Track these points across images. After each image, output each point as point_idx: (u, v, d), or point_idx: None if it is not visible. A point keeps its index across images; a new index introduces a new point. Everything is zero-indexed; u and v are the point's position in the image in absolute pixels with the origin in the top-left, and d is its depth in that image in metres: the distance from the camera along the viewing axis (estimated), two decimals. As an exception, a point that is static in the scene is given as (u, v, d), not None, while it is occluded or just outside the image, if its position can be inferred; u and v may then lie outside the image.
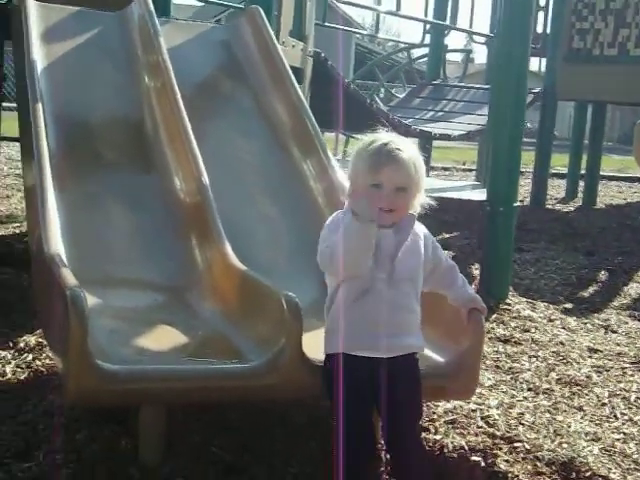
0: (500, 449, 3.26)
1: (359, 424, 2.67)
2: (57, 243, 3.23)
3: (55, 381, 3.45)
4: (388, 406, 2.71)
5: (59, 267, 2.92)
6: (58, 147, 4.14)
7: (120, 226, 3.97)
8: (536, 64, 13.66)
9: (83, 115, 4.49)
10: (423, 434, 3.29)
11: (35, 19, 4.82)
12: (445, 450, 3.20)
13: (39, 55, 4.57)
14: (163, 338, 3.25)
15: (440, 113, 11.88)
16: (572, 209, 11.58)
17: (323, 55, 7.40)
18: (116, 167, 4.26)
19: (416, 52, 15.19)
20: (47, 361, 3.78)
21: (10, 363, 3.78)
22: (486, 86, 11.86)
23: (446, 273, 2.91)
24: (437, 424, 3.45)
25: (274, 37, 5.25)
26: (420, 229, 2.80)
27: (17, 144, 6.66)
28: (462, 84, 13.23)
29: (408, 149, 2.67)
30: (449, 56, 15.17)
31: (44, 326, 3.46)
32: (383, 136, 2.70)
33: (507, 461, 3.16)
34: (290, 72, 4.98)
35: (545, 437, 3.43)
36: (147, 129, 4.51)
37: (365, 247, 2.58)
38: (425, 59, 14.10)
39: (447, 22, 12.81)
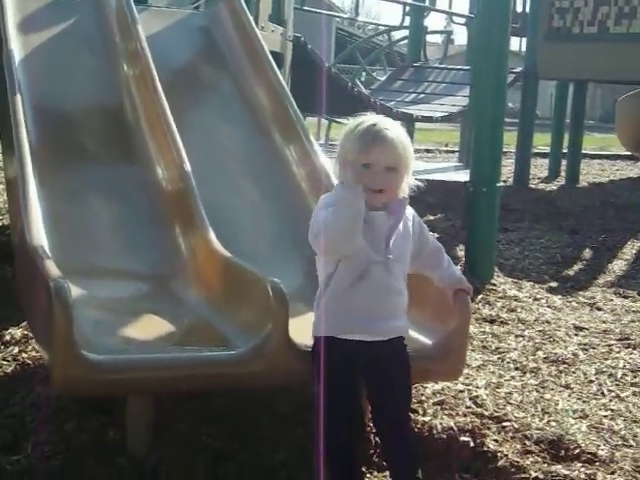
0: (489, 429, 3.26)
1: (348, 407, 2.67)
2: (40, 235, 3.21)
3: (42, 373, 3.43)
4: (378, 390, 2.72)
5: (42, 259, 2.91)
6: (38, 139, 4.11)
7: (103, 216, 3.95)
8: (517, 44, 13.69)
9: (63, 106, 4.47)
10: (412, 415, 3.29)
11: (12, 9, 4.79)
12: (434, 431, 3.20)
13: (17, 46, 4.54)
14: (149, 327, 3.23)
15: (422, 95, 11.87)
16: (555, 188, 11.60)
17: (303, 39, 7.37)
18: (97, 157, 4.24)
19: (396, 34, 15.16)
20: (33, 353, 3.76)
21: (-4, 356, 3.77)
22: (467, 67, 11.87)
23: (432, 254, 2.90)
24: (425, 405, 3.45)
25: (253, 22, 5.23)
26: (409, 211, 2.80)
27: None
28: (443, 66, 13.23)
29: (396, 129, 2.68)
30: (429, 38, 15.14)
31: (29, 318, 3.44)
32: (370, 118, 2.69)
33: (496, 440, 3.17)
34: (270, 57, 4.96)
35: (533, 416, 3.44)
36: (127, 118, 4.48)
37: (354, 219, 2.57)
38: (405, 41, 14.08)
39: (426, 3, 12.80)
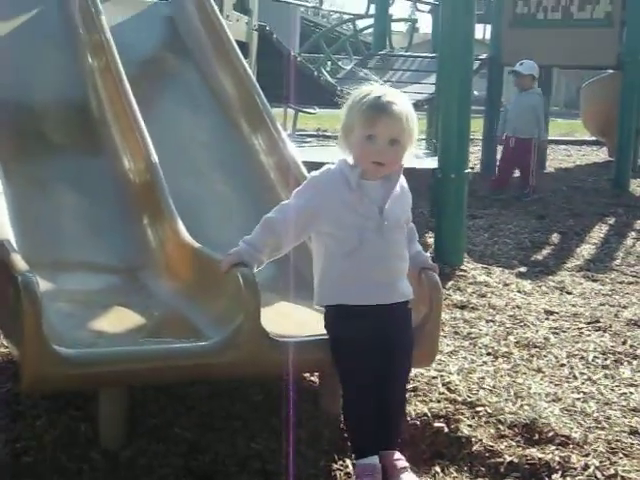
0: (462, 414, 3.26)
1: (366, 373, 2.73)
2: (5, 229, 3.17)
3: (11, 369, 3.39)
4: (386, 353, 2.77)
5: (9, 253, 2.86)
6: (2, 131, 4.06)
7: (69, 209, 3.91)
8: (481, 31, 13.71)
9: (27, 98, 4.42)
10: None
11: (-28, 3, 4.73)
12: (408, 417, 3.19)
13: (-22, 39, 4.48)
14: (119, 320, 3.20)
15: (387, 83, 11.83)
16: (522, 174, 11.62)
17: (268, 28, 7.34)
18: (63, 150, 4.20)
19: (361, 23, 15.12)
20: (2, 349, 3.72)
21: (-36, 353, 3.72)
22: (432, 55, 11.85)
23: (408, 231, 2.95)
24: (399, 393, 3.45)
25: (218, 11, 5.20)
26: (403, 179, 2.88)
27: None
28: (408, 53, 13.22)
29: (401, 102, 2.78)
30: (394, 27, 15.14)
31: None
32: (376, 88, 2.79)
33: (470, 426, 3.17)
34: (236, 46, 4.94)
35: (506, 400, 3.45)
36: (93, 110, 4.45)
37: None
38: (370, 30, 14.06)
39: (391, -9, 12.77)
